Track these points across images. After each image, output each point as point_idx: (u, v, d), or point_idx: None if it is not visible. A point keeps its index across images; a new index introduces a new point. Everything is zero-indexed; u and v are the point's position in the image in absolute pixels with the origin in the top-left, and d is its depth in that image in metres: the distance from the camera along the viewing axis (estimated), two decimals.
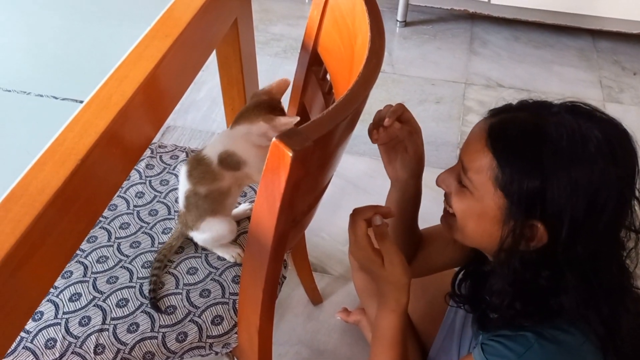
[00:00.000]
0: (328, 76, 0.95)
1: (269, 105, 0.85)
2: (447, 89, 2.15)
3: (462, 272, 0.96)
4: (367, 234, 0.84)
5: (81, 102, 0.71)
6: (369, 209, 0.83)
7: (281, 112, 0.85)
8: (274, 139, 0.56)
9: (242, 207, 1.04)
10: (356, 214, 0.82)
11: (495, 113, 0.76)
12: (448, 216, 0.82)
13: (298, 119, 0.81)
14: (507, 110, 0.76)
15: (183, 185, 0.92)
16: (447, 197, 0.82)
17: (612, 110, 2.21)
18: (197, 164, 0.89)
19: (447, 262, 1.08)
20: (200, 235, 0.94)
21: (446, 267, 1.10)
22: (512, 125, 0.72)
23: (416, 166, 0.95)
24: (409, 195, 0.99)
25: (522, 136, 0.70)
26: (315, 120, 0.59)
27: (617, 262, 0.75)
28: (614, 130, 0.71)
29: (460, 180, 0.77)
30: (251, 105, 0.86)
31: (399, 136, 0.89)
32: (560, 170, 0.67)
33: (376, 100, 2.06)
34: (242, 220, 1.03)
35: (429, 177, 1.75)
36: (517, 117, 0.73)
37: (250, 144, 0.85)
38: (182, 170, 0.92)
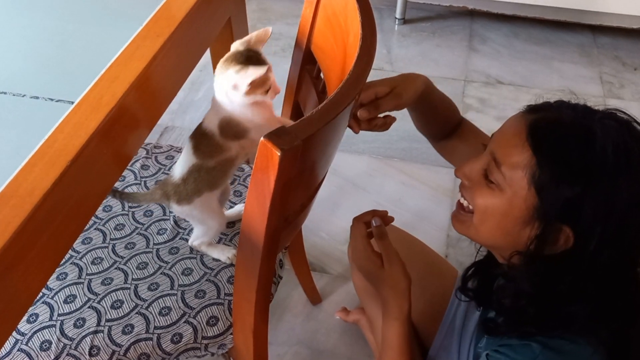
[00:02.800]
0: (322, 74, 0.94)
1: (244, 56, 0.78)
2: (447, 87, 2.13)
3: (472, 269, 0.95)
4: (367, 237, 0.83)
5: (72, 102, 0.71)
6: (368, 213, 0.85)
7: (260, 64, 0.78)
8: (262, 138, 0.55)
9: (237, 208, 1.03)
10: (355, 219, 0.84)
11: (534, 109, 0.73)
12: (462, 211, 0.78)
13: (267, 67, 0.76)
14: (548, 109, 0.72)
15: (187, 160, 0.86)
16: (465, 191, 0.77)
17: (613, 106, 2.19)
18: (202, 137, 0.84)
19: None
20: (189, 211, 0.89)
21: None
22: (558, 125, 0.69)
23: (412, 98, 0.91)
24: (425, 107, 0.96)
25: (569, 138, 0.67)
26: (305, 119, 0.58)
27: (636, 276, 0.74)
28: None
29: (486, 174, 0.73)
30: (225, 56, 0.80)
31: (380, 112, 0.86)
32: (604, 181, 0.65)
33: None
34: (237, 222, 1.02)
35: (428, 176, 1.77)
36: (563, 117, 0.70)
37: (246, 105, 0.78)
38: (187, 145, 0.87)
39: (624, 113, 0.71)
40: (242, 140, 0.82)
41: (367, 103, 0.84)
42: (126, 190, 1.07)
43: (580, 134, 0.67)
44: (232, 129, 0.80)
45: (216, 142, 0.83)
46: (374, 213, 0.85)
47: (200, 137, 0.84)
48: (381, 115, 0.87)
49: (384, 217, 0.87)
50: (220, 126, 0.81)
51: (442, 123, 1.01)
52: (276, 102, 0.85)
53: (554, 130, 0.69)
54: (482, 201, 0.74)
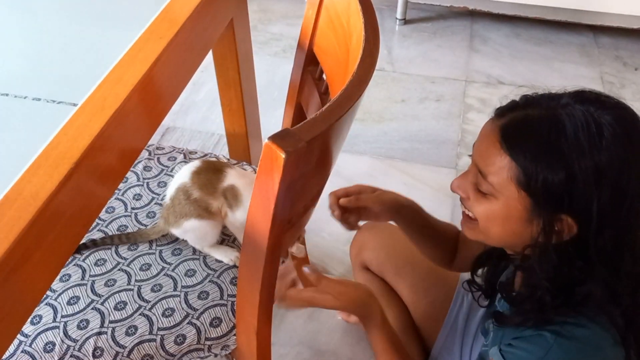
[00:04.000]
0: (324, 76, 0.94)
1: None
2: (448, 87, 2.14)
3: (479, 261, 0.95)
4: (298, 295, 0.87)
5: (75, 105, 0.71)
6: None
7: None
8: (266, 141, 0.55)
9: None
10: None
11: (502, 112, 0.75)
12: (469, 220, 0.80)
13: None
14: (515, 108, 0.75)
15: (180, 178, 0.91)
16: (464, 202, 0.80)
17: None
18: (210, 170, 0.89)
19: None
20: (182, 234, 0.94)
21: None
22: (525, 124, 0.71)
23: (389, 208, 1.02)
24: (405, 220, 1.05)
25: (538, 133, 0.69)
26: (309, 120, 0.58)
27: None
28: (624, 113, 0.71)
29: (477, 185, 0.76)
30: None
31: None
32: (580, 160, 0.67)
33: (376, 99, 2.06)
34: None
35: (430, 177, 1.77)
36: (529, 114, 0.72)
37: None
38: (189, 165, 0.91)
39: (592, 91, 0.73)
40: (232, 209, 0.89)
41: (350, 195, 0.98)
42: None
43: (549, 124, 0.69)
44: (232, 195, 0.88)
45: (215, 186, 0.89)
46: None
47: (208, 168, 0.90)
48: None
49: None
50: (225, 188, 0.90)
51: (441, 240, 1.09)
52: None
53: (524, 129, 0.71)
54: (481, 210, 0.76)
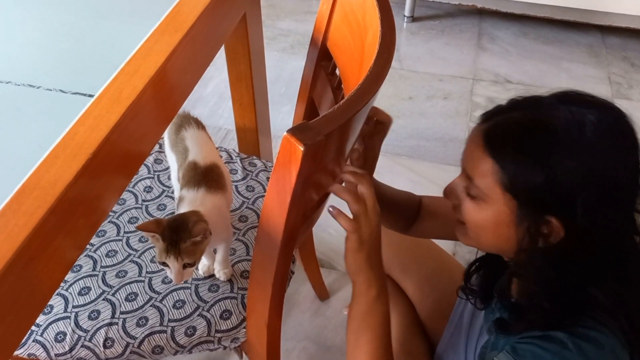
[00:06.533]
0: (337, 71, 0.94)
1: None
2: (455, 85, 2.14)
3: (474, 267, 0.95)
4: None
5: (92, 96, 0.72)
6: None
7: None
8: (285, 133, 0.56)
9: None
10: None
11: (487, 117, 0.76)
12: (462, 226, 0.81)
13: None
14: (499, 112, 0.75)
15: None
16: (456, 209, 0.81)
17: (621, 106, 2.18)
18: (192, 168, 0.90)
19: (447, 236, 1.07)
20: None
21: (447, 238, 1.09)
22: (507, 126, 0.72)
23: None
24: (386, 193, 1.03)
25: (519, 135, 0.70)
26: (327, 114, 0.59)
27: (636, 248, 0.75)
28: (608, 112, 0.71)
29: (468, 191, 0.76)
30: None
31: None
32: (562, 160, 0.67)
33: (384, 96, 2.06)
34: (251, 215, 1.03)
35: (437, 175, 1.78)
36: (511, 117, 0.73)
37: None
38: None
39: (577, 91, 0.73)
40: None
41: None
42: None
43: (531, 126, 0.70)
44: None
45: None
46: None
47: (211, 170, 0.90)
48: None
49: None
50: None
51: (401, 208, 1.07)
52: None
53: (506, 132, 0.72)
54: (471, 216, 0.77)
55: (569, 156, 0.67)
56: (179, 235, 0.78)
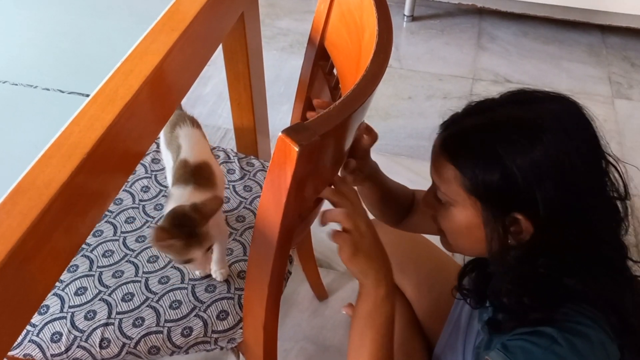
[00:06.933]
0: (335, 71, 0.94)
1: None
2: (455, 85, 2.13)
3: (467, 267, 0.96)
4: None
5: (87, 95, 0.71)
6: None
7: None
8: (280, 134, 0.55)
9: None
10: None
11: (445, 126, 0.79)
12: (443, 235, 0.84)
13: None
14: (455, 121, 0.78)
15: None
16: (434, 219, 0.84)
17: (621, 106, 2.20)
18: (182, 165, 0.89)
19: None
20: None
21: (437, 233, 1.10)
22: (461, 132, 0.75)
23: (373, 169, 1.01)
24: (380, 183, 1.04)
25: (472, 138, 0.73)
26: (323, 114, 0.58)
27: (613, 236, 0.75)
28: (560, 104, 0.72)
29: (438, 199, 0.79)
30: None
31: None
32: (517, 158, 0.68)
33: (383, 96, 2.06)
34: (248, 216, 1.03)
35: None
36: (465, 122, 0.76)
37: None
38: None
39: (527, 89, 0.75)
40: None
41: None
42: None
43: (480, 128, 0.73)
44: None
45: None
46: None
47: (181, 165, 0.88)
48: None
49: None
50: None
51: (397, 201, 1.08)
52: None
53: (462, 137, 0.75)
54: (445, 223, 0.80)
55: (521, 152, 0.69)
56: (192, 224, 0.77)
